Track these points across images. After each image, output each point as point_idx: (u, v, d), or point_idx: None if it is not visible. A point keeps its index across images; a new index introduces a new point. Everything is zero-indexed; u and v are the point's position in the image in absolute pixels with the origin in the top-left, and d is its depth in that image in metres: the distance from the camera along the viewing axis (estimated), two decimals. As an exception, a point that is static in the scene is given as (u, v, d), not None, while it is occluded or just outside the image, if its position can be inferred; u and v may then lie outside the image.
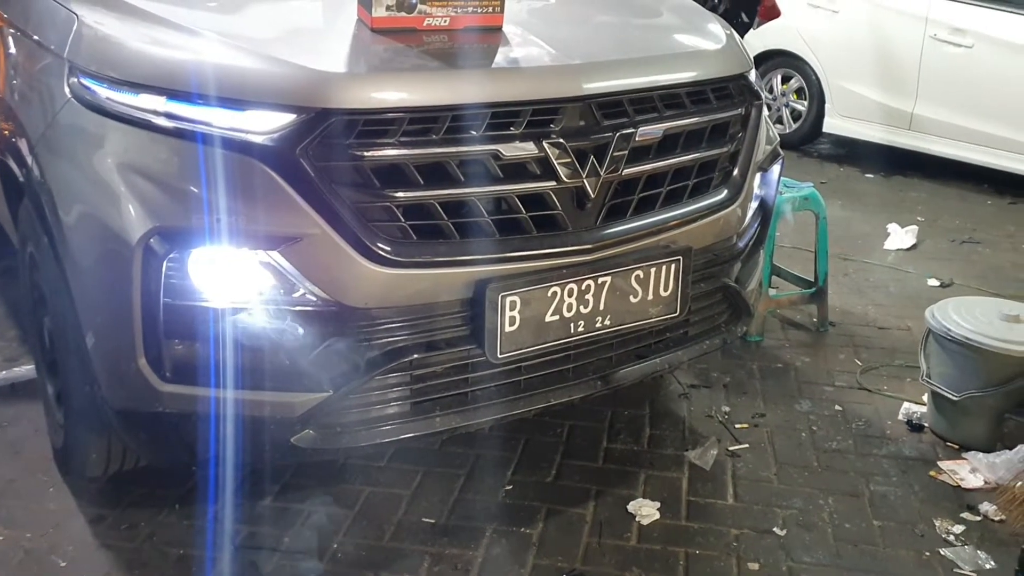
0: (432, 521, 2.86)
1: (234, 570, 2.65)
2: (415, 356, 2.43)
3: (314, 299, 2.31)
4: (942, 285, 4.95)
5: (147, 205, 2.27)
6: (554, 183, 2.44)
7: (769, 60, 7.64)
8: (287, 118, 2.23)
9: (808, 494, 3.07)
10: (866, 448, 3.36)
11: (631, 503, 2.98)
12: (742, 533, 2.87)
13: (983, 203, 6.58)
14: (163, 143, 2.29)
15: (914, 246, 5.55)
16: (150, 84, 2.32)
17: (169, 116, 2.29)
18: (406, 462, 3.12)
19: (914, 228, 5.69)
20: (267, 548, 2.71)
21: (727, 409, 3.57)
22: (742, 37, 3.28)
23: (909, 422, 3.52)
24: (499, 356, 2.47)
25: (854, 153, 7.57)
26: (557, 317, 2.53)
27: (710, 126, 2.77)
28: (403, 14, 2.55)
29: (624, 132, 2.53)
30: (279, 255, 2.27)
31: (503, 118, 2.39)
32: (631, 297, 2.64)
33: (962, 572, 2.74)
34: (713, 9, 4.33)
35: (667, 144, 2.67)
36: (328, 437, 2.42)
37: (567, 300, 2.53)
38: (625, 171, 2.55)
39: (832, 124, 7.45)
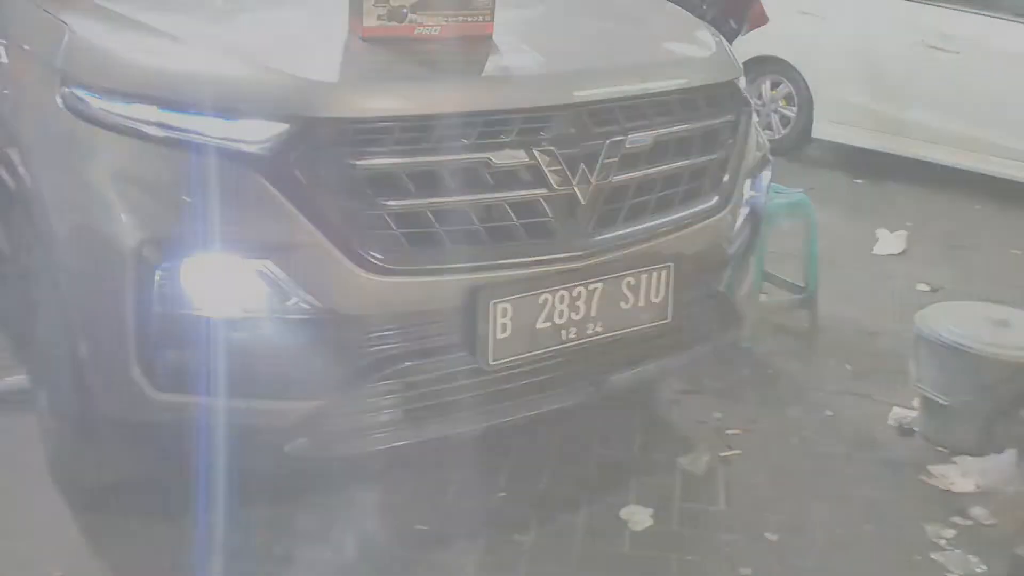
0: (425, 528, 2.86)
1: (227, 578, 2.65)
2: (408, 363, 2.43)
3: (307, 307, 2.31)
4: (932, 290, 4.97)
5: (140, 214, 2.28)
6: (545, 190, 2.45)
7: (758, 66, 7.63)
8: (279, 127, 2.24)
9: (799, 499, 3.08)
10: (857, 453, 3.37)
11: (623, 509, 2.98)
12: (734, 539, 2.88)
13: (972, 208, 6.60)
14: (155, 153, 2.30)
15: (903, 251, 5.56)
16: (142, 94, 2.32)
17: (161, 126, 2.29)
18: (398, 469, 3.12)
19: (903, 233, 5.70)
20: (260, 556, 2.71)
21: (718, 415, 3.58)
22: (731, 44, 3.29)
23: (899, 427, 3.53)
24: (491, 363, 2.48)
25: (843, 159, 7.59)
26: (548, 324, 2.54)
27: (700, 133, 2.79)
28: (394, 23, 2.56)
29: (614, 139, 2.54)
30: (272, 264, 2.27)
31: (494, 126, 2.40)
32: (622, 304, 2.65)
33: (953, 576, 2.76)
34: (701, 16, 4.34)
35: (657, 151, 2.68)
36: (321, 445, 2.42)
37: (558, 307, 2.53)
38: (616, 178, 2.56)
39: (821, 130, 7.46)
